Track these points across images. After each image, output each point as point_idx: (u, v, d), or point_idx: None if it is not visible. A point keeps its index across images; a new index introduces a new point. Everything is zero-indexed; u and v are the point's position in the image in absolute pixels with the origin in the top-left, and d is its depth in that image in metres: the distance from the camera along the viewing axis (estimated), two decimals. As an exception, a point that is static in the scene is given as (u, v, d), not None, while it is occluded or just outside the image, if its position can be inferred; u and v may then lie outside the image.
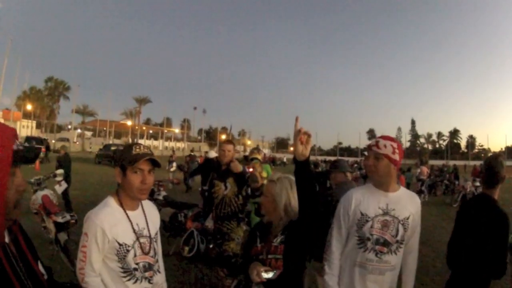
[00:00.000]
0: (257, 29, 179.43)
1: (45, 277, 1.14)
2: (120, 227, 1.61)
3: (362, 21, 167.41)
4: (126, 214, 1.65)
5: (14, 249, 1.01)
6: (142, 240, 1.67)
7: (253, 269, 1.73)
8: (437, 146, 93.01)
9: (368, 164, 2.00)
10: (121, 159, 1.65)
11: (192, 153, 16.20)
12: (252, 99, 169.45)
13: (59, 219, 4.68)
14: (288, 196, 1.91)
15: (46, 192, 5.39)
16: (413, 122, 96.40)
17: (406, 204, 2.00)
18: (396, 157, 1.97)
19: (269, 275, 1.69)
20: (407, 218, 1.97)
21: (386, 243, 1.95)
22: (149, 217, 1.76)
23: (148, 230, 1.72)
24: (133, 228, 1.65)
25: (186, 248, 4.07)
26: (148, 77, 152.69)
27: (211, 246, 3.96)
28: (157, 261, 1.77)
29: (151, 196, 6.57)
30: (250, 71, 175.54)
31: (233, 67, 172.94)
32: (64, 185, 6.87)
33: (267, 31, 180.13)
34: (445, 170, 21.08)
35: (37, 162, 18.65)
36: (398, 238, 1.96)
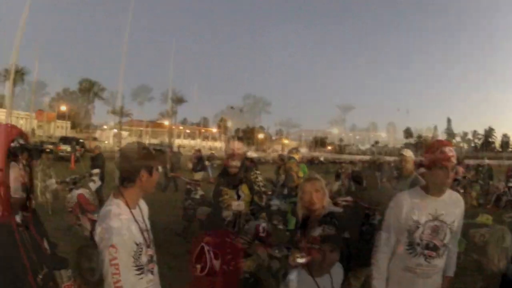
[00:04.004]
0: (291, 27, 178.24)
1: (48, 251, 1.47)
2: (133, 227, 1.62)
3: (399, 22, 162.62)
4: (132, 214, 1.65)
5: (24, 227, 1.33)
6: (145, 234, 1.68)
7: (291, 254, 2.07)
8: (473, 144, 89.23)
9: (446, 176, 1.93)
10: (149, 161, 1.70)
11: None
12: (289, 97, 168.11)
13: (94, 217, 4.80)
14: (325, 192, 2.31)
15: (82, 191, 5.52)
16: (449, 121, 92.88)
17: (453, 208, 2.04)
18: None
19: (302, 260, 1.93)
20: (453, 222, 2.01)
21: (435, 248, 1.98)
22: (143, 209, 1.78)
23: (145, 223, 1.74)
24: (139, 225, 1.65)
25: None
26: (184, 77, 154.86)
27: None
28: (153, 251, 1.78)
29: (188, 195, 6.66)
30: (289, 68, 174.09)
31: (273, 65, 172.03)
32: (98, 182, 7.06)
33: (302, 29, 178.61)
34: (480, 169, 20.12)
35: (72, 161, 19.51)
36: (446, 241, 2.00)
